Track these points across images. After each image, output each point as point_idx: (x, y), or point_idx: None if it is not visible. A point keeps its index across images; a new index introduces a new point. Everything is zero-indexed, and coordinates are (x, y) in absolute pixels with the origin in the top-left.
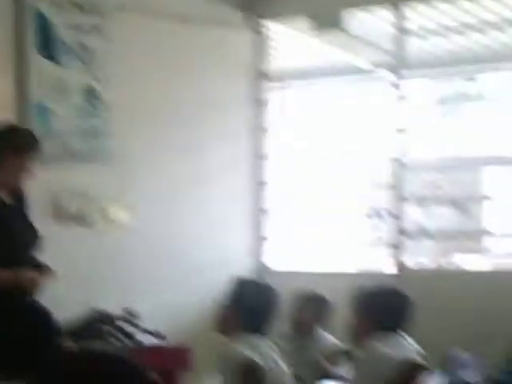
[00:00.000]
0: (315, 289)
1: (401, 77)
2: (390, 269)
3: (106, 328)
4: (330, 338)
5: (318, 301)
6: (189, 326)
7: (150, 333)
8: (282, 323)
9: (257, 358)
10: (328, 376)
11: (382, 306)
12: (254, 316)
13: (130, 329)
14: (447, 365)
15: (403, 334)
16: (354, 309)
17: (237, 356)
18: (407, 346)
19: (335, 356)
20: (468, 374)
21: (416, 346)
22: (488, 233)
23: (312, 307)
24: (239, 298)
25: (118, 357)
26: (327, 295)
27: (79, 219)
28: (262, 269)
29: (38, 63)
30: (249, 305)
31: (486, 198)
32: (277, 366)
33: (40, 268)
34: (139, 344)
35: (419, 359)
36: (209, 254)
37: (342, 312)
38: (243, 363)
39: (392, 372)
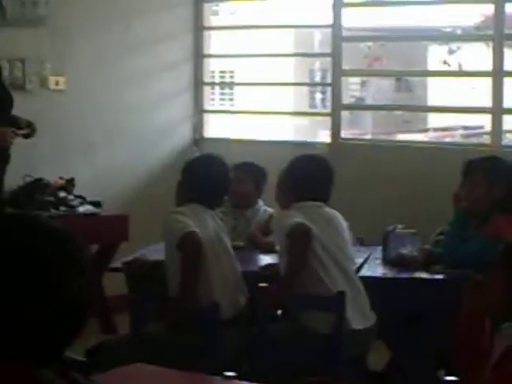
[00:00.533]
0: (253, 158)
1: None
2: (326, 139)
3: (45, 197)
4: (267, 210)
5: (257, 171)
6: (126, 194)
7: (87, 201)
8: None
9: (198, 229)
10: (263, 249)
11: (304, 176)
12: (206, 192)
13: (67, 197)
14: (386, 240)
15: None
16: (278, 179)
17: (179, 228)
18: (325, 215)
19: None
20: (405, 249)
21: (337, 216)
22: (427, 108)
23: (251, 178)
24: (194, 175)
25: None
26: (262, 164)
27: (16, 85)
28: (200, 138)
29: None
30: (203, 181)
31: (429, 73)
32: (219, 239)
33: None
34: (76, 212)
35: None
36: (148, 124)
37: (275, 182)
38: (185, 235)
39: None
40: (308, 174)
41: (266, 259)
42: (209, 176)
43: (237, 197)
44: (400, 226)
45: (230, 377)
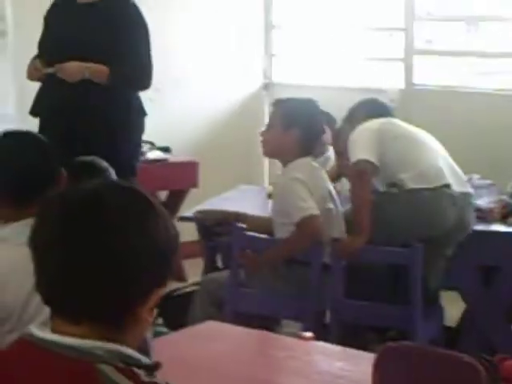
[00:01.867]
0: (322, 105)
1: None
2: (398, 85)
3: None
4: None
5: (330, 119)
6: (195, 140)
7: (156, 147)
8: None
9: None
10: None
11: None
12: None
13: None
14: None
15: None
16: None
17: (300, 207)
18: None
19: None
20: (482, 200)
21: None
22: (500, 53)
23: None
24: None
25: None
26: (333, 111)
27: None
28: (270, 83)
29: None
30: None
31: (501, 18)
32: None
33: None
34: (145, 158)
35: None
36: (216, 69)
37: None
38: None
39: None
40: None
41: None
42: (318, 121)
43: None
44: (476, 176)
45: (305, 337)
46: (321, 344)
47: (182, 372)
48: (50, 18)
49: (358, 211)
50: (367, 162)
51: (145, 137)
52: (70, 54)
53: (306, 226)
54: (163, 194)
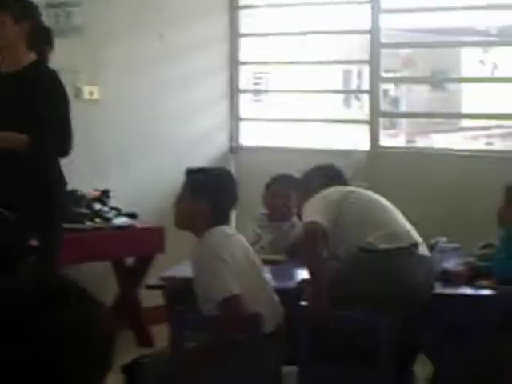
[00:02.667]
0: (290, 166)
1: None
2: (364, 146)
3: (79, 209)
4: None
5: (296, 184)
6: (162, 206)
7: (123, 213)
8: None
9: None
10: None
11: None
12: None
13: (102, 209)
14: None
15: None
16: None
17: (221, 287)
18: None
19: None
20: (449, 264)
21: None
22: (464, 114)
23: (290, 191)
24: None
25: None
26: (299, 172)
27: None
28: (237, 147)
29: None
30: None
31: (464, 79)
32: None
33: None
34: (112, 225)
35: None
36: (183, 133)
37: None
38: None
39: None
40: None
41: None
42: (229, 190)
43: (274, 210)
44: (442, 239)
45: None
46: None
47: None
48: None
49: (312, 273)
50: (316, 223)
51: (112, 203)
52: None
53: (227, 306)
54: (130, 260)
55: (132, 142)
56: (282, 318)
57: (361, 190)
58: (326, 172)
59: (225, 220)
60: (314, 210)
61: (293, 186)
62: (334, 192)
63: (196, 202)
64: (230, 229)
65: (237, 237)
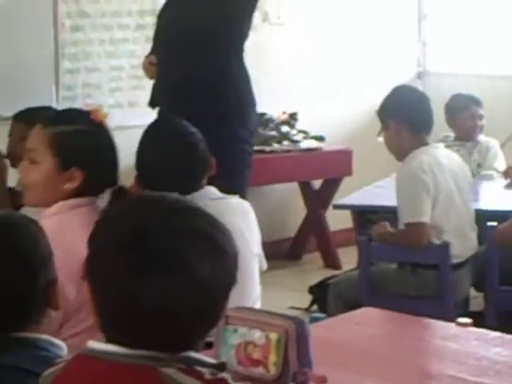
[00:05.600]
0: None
1: None
2: None
3: (268, 132)
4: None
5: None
6: (349, 129)
7: (310, 136)
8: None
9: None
10: None
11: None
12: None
13: (290, 132)
14: None
15: None
16: None
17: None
18: None
19: None
20: None
21: None
22: None
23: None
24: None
25: None
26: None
27: None
28: (423, 72)
29: None
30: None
31: None
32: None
33: None
34: (299, 147)
35: None
36: (369, 57)
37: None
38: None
39: None
40: None
41: None
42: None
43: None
44: None
45: (463, 323)
46: (478, 330)
47: (336, 355)
48: None
49: None
50: None
51: (299, 126)
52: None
53: (411, 232)
54: (317, 183)
55: (317, 66)
56: (476, 248)
57: None
58: None
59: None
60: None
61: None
62: None
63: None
64: (436, 149)
65: (441, 157)
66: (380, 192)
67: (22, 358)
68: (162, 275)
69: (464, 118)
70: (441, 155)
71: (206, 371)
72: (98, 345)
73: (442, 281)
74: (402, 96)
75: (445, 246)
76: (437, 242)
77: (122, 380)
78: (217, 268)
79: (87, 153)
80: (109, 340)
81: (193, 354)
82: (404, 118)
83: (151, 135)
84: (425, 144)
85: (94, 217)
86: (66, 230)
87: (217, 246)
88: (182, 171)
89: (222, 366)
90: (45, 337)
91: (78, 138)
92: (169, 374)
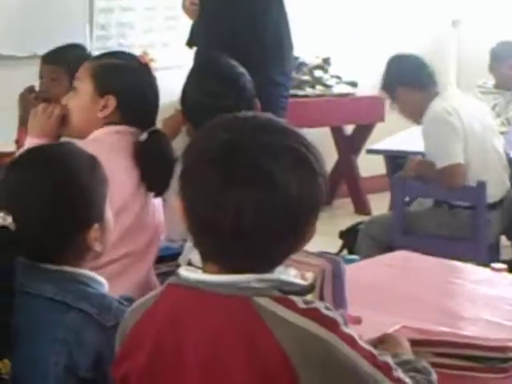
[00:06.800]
0: None
1: None
2: None
3: (301, 76)
4: None
5: None
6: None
7: (343, 81)
8: None
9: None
10: None
11: None
12: None
13: (323, 77)
14: None
15: None
16: None
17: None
18: None
19: None
20: None
21: None
22: None
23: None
24: None
25: None
26: None
27: None
28: (458, 20)
29: None
30: None
31: None
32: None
33: None
34: (332, 92)
35: None
36: (405, 7)
37: None
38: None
39: None
40: None
41: None
42: None
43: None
44: None
45: (497, 268)
46: None
47: (369, 297)
48: None
49: None
50: None
51: (332, 71)
52: None
53: (447, 175)
54: (350, 128)
55: (352, 11)
56: (509, 188)
57: None
58: None
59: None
60: None
61: None
62: None
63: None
64: (451, 95)
65: (468, 101)
66: (413, 138)
67: (62, 292)
68: (247, 188)
69: (508, 66)
70: (458, 99)
71: (298, 300)
72: (191, 274)
73: (477, 221)
74: (396, 63)
75: (481, 187)
76: (472, 182)
77: (216, 310)
78: (303, 185)
79: (123, 82)
80: (202, 257)
81: (283, 277)
82: (407, 80)
83: (199, 71)
84: (436, 94)
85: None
86: (108, 156)
87: (305, 164)
88: (227, 108)
89: (311, 288)
90: (85, 272)
91: (117, 69)
92: (262, 303)
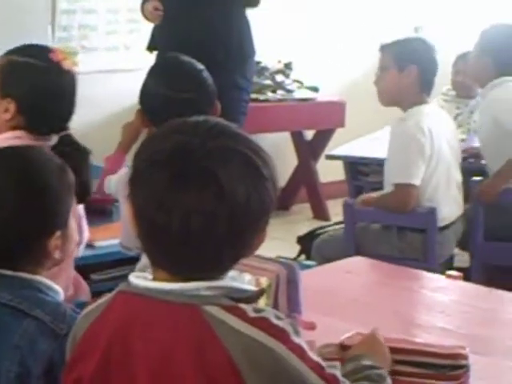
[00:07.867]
0: None
1: None
2: None
3: (262, 80)
4: None
5: None
6: (343, 80)
7: (305, 86)
8: None
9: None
10: None
11: None
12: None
13: (285, 81)
14: None
15: None
16: None
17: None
18: None
19: None
20: None
21: None
22: None
23: None
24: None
25: None
26: None
27: None
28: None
29: None
30: None
31: None
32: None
33: None
34: (293, 97)
35: None
36: (367, 13)
37: None
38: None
39: None
40: None
41: None
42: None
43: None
44: None
45: (453, 276)
46: (467, 284)
47: (326, 302)
48: None
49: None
50: None
51: (293, 76)
52: None
53: (400, 193)
54: (310, 134)
55: (314, 15)
56: (462, 209)
57: None
58: None
59: (430, 90)
60: None
61: None
62: None
63: (402, 73)
64: (434, 109)
65: (438, 119)
66: (373, 144)
67: (18, 299)
68: (194, 192)
69: (462, 75)
70: (437, 116)
71: (248, 308)
72: (141, 281)
73: (427, 244)
74: (427, 49)
75: (432, 212)
76: (425, 205)
77: (165, 318)
78: (251, 190)
79: (23, 86)
80: (152, 264)
81: (233, 284)
82: (425, 70)
83: (159, 66)
84: (425, 102)
85: None
86: None
87: (254, 170)
88: (188, 101)
89: (261, 293)
90: (43, 279)
91: (20, 71)
92: (211, 312)
